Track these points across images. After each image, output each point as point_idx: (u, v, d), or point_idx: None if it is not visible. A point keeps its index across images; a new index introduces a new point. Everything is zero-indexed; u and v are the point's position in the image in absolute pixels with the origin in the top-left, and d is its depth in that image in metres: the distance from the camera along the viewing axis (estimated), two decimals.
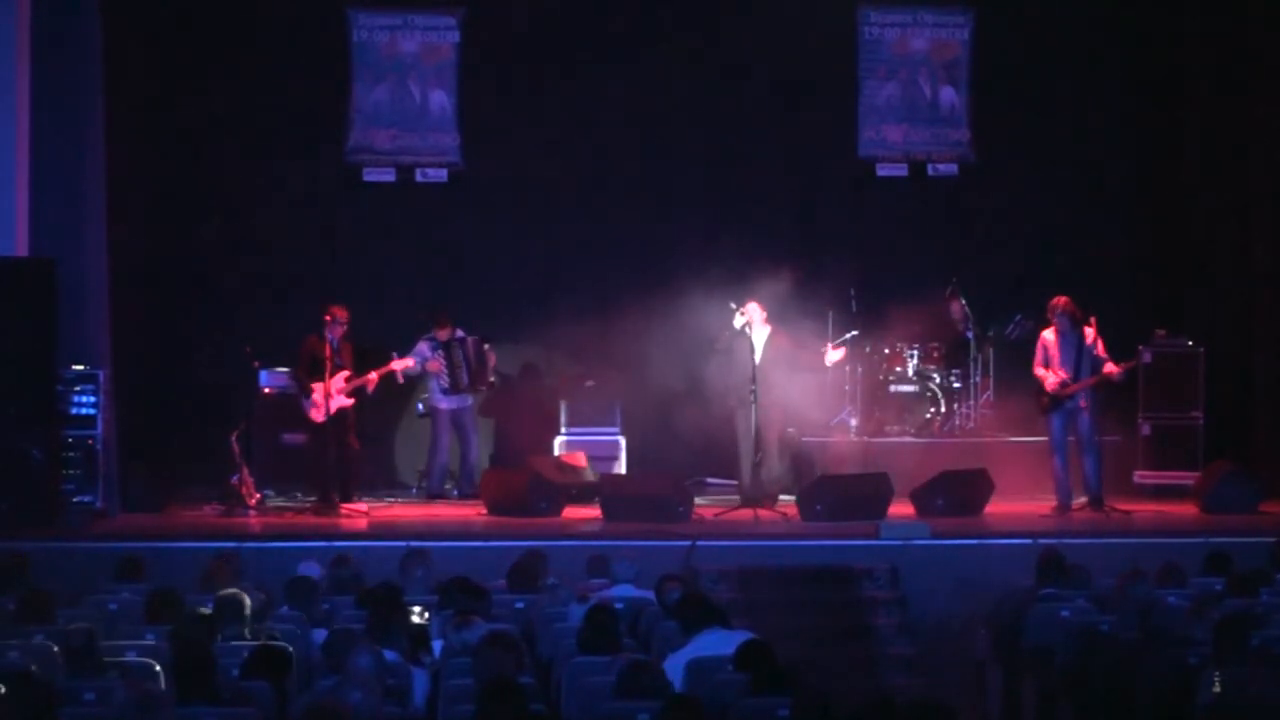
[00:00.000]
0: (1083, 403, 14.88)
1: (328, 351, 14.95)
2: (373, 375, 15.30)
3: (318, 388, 14.96)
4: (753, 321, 15.12)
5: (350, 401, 15.17)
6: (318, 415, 15.04)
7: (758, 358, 15.03)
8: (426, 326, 16.34)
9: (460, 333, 16.37)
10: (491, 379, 16.59)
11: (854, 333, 17.13)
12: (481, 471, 16.41)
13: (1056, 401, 14.88)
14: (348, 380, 15.13)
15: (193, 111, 17.27)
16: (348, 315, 15.22)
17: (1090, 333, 14.86)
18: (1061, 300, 14.92)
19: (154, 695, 6.88)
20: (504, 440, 17.45)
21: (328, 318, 15.06)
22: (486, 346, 16.41)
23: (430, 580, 10.96)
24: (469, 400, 16.52)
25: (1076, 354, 14.84)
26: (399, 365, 15.74)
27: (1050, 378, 14.86)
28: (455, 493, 16.42)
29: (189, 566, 11.99)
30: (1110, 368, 14.81)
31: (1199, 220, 17.80)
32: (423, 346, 16.21)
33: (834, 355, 15.60)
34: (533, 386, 17.68)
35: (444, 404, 16.40)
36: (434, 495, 16.31)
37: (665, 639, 9.41)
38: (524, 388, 17.64)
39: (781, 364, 15.16)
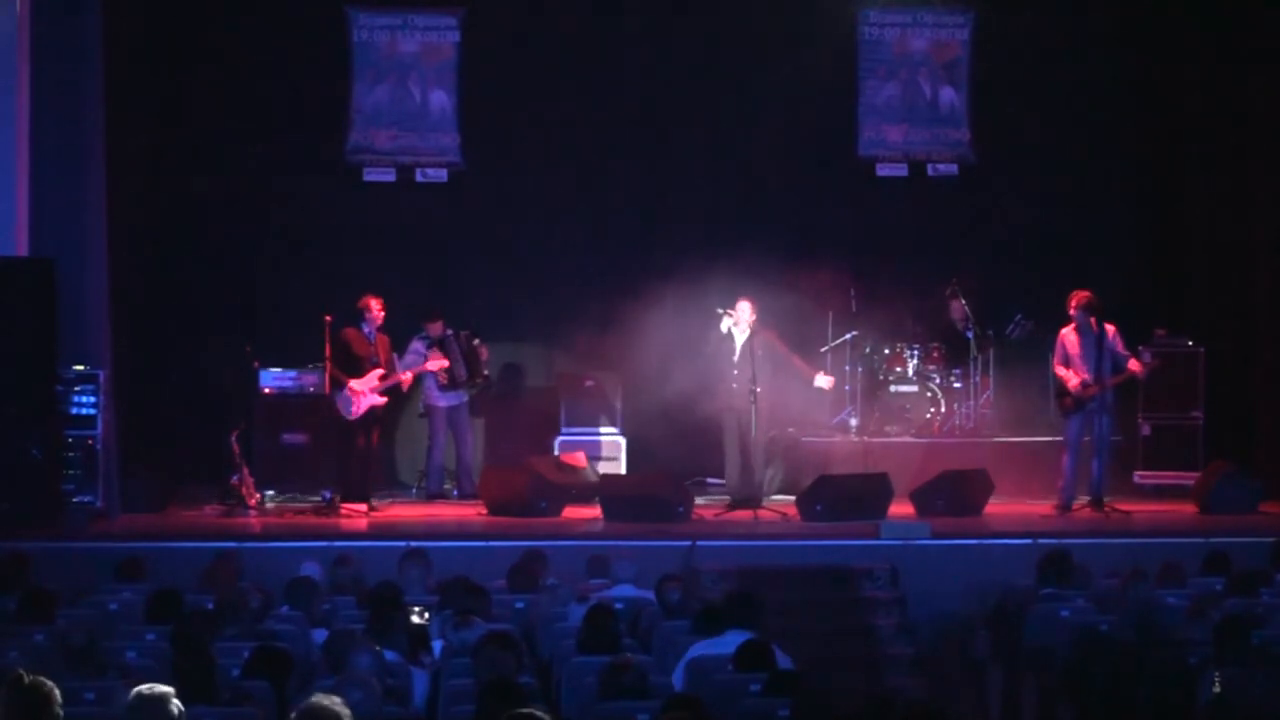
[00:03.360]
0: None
1: (363, 348, 14.96)
2: (407, 375, 15.32)
3: (354, 384, 14.94)
4: (740, 321, 15.10)
5: (383, 401, 15.18)
6: (352, 412, 15.00)
7: (736, 356, 15.04)
8: (417, 325, 16.34)
9: (449, 330, 16.37)
10: (486, 372, 16.59)
11: (854, 333, 17.15)
12: (478, 470, 16.43)
13: (1080, 403, 14.77)
14: (381, 379, 15.12)
15: (193, 111, 17.28)
16: (383, 305, 15.25)
17: (1111, 329, 14.76)
18: (1083, 295, 14.75)
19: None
20: (497, 441, 17.48)
21: (365, 309, 15.10)
22: (476, 341, 16.41)
23: (429, 580, 10.97)
24: (464, 397, 16.51)
25: (1097, 352, 14.67)
26: (434, 365, 15.81)
27: (1072, 378, 14.73)
28: (455, 493, 16.42)
29: (189, 566, 12.00)
30: (1134, 365, 14.73)
31: (1199, 220, 17.81)
32: (417, 345, 16.20)
33: (823, 381, 15.40)
34: (514, 387, 17.68)
35: (441, 402, 16.39)
36: (434, 495, 16.30)
37: (665, 639, 9.41)
38: (508, 389, 17.66)
39: (765, 363, 15.10)
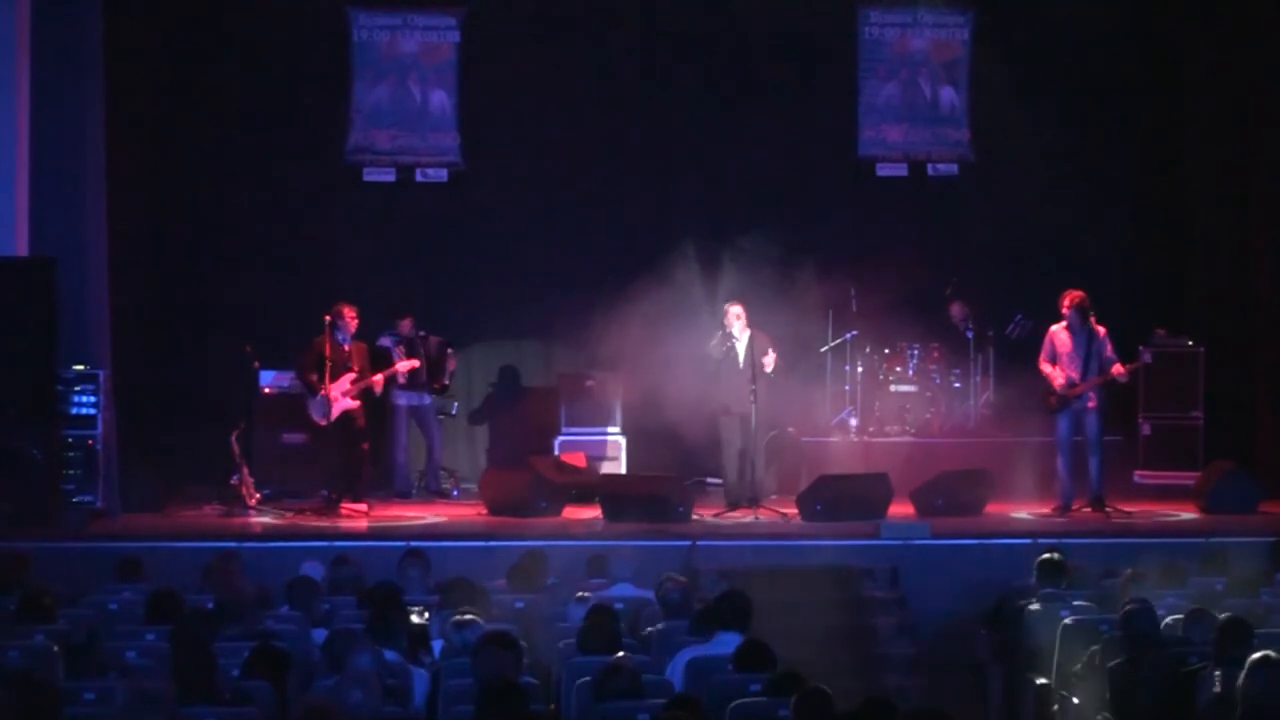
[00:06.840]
0: (1091, 403, 14.76)
1: (328, 351, 14.92)
2: (378, 377, 15.27)
3: (323, 389, 14.91)
4: (736, 325, 15.08)
5: (355, 404, 15.12)
6: (326, 417, 15.00)
7: (740, 361, 15.01)
8: (389, 321, 16.30)
9: (423, 331, 16.35)
10: (447, 381, 16.52)
11: (854, 333, 17.15)
12: (443, 471, 16.50)
13: (1064, 401, 14.77)
14: (353, 383, 15.10)
15: (193, 111, 17.28)
16: (356, 313, 15.19)
17: (1101, 330, 14.76)
18: (1076, 295, 14.74)
19: (155, 694, 6.87)
20: (497, 441, 17.49)
21: (333, 317, 15.03)
22: (449, 350, 16.38)
23: (428, 580, 10.97)
24: (428, 399, 16.45)
25: (1086, 351, 14.69)
26: (404, 366, 15.76)
27: (1057, 375, 14.74)
28: (455, 493, 16.42)
29: (189, 566, 12.00)
30: (1118, 368, 14.72)
31: (1199, 220, 17.81)
32: (384, 341, 16.19)
33: (768, 360, 14.86)
34: (510, 389, 17.72)
35: (402, 400, 16.34)
36: (401, 493, 16.26)
37: (665, 639, 9.41)
38: (506, 391, 17.70)
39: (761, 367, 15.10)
